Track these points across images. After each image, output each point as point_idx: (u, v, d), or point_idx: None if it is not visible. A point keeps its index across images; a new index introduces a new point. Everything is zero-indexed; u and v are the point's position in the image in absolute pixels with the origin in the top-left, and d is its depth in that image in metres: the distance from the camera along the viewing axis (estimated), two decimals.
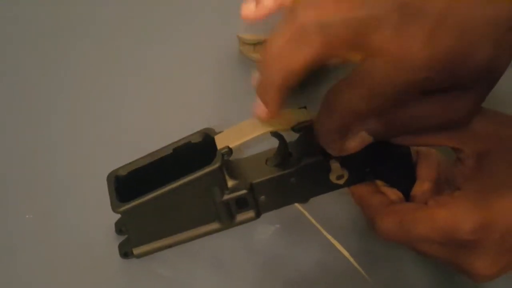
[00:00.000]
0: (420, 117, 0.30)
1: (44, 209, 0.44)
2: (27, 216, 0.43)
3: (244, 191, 0.35)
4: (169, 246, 0.38)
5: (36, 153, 0.47)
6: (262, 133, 0.32)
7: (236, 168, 0.36)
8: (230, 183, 0.35)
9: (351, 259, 0.39)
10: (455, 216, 0.29)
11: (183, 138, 0.36)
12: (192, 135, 0.36)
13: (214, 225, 0.37)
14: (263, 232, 0.41)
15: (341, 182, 0.35)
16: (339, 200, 0.41)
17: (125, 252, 0.39)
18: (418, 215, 0.31)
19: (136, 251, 0.38)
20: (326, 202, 0.41)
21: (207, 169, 0.33)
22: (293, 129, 0.33)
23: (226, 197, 0.35)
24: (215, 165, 0.33)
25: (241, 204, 0.36)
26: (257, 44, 0.48)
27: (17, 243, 0.42)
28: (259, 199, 0.36)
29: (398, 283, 0.38)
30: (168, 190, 0.34)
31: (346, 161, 0.34)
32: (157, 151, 0.36)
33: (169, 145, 0.36)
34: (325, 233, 0.40)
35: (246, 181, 0.35)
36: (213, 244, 0.41)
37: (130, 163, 0.37)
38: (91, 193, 0.44)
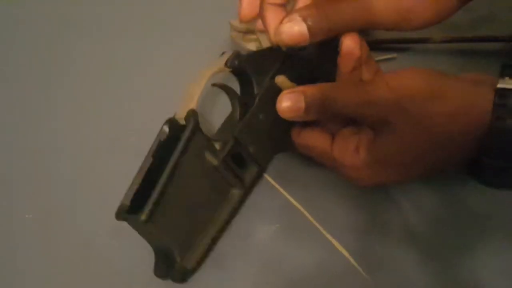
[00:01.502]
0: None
1: (44, 209, 0.44)
2: (27, 216, 0.43)
3: (231, 143, 0.37)
4: (213, 241, 0.39)
5: (36, 153, 0.47)
6: (206, 81, 0.37)
7: (214, 137, 0.39)
8: (217, 145, 0.37)
9: (351, 259, 0.39)
10: (342, 154, 0.36)
11: (153, 142, 0.35)
12: (158, 134, 0.35)
13: (233, 197, 0.39)
14: (263, 232, 0.41)
15: None
16: (339, 200, 0.41)
17: (182, 275, 0.38)
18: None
19: (187, 264, 0.38)
20: (326, 202, 0.41)
21: (186, 134, 0.35)
22: (226, 65, 0.37)
23: (220, 155, 0.37)
24: (189, 126, 0.35)
25: (238, 161, 0.39)
26: (247, 33, 0.48)
27: (17, 243, 0.42)
28: (250, 151, 0.39)
29: (398, 283, 0.38)
30: (167, 177, 0.35)
31: (289, 72, 0.37)
32: (141, 166, 0.35)
33: (147, 154, 0.35)
34: (325, 233, 0.40)
35: (228, 136, 0.38)
36: None
37: (126, 191, 0.34)
38: (92, 192, 0.44)
